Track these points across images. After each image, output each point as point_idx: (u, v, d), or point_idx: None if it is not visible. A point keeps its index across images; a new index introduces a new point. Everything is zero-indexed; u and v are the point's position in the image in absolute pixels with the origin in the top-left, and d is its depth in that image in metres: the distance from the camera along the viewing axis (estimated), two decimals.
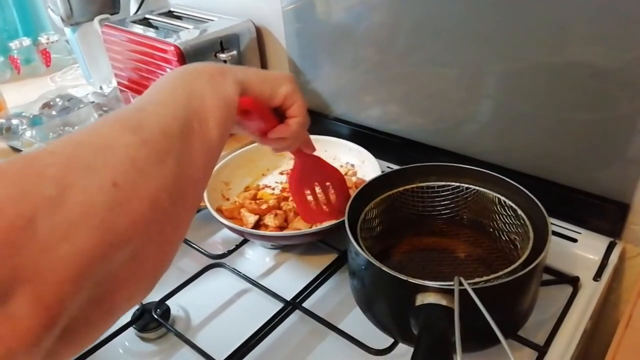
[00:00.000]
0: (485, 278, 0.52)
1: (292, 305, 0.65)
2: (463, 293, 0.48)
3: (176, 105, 0.35)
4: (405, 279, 0.50)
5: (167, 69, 0.92)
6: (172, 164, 0.32)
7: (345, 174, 0.87)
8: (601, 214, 0.70)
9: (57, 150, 0.28)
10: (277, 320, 0.63)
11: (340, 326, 0.62)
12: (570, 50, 0.65)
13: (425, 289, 0.50)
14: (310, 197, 0.70)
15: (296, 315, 0.65)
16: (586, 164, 0.71)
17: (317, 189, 0.70)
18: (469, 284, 0.49)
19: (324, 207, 0.70)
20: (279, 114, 0.52)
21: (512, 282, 0.50)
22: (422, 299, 0.49)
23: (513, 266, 0.53)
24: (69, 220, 0.25)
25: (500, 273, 0.52)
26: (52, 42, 1.39)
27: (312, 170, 0.67)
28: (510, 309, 0.54)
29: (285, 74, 0.48)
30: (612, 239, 0.70)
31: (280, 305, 0.65)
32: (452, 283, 0.50)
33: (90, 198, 0.26)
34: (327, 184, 0.70)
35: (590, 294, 0.63)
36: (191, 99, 0.36)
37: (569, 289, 0.65)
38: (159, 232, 0.31)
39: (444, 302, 0.49)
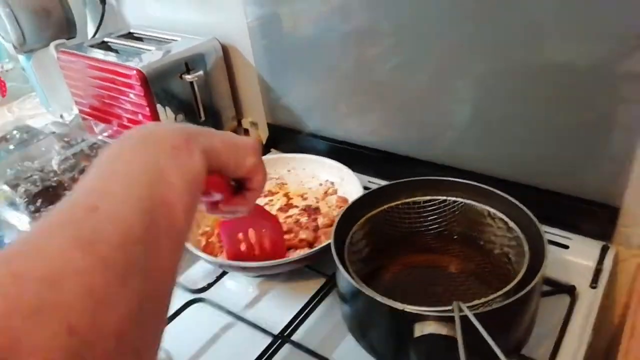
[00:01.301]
0: (484, 300, 0.49)
1: (281, 339, 0.61)
2: (464, 319, 0.45)
3: (137, 196, 0.29)
4: (401, 308, 0.47)
5: (130, 94, 0.87)
6: (137, 280, 0.27)
7: (326, 192, 0.83)
8: (591, 218, 0.69)
9: None
10: (266, 357, 0.59)
11: (334, 357, 0.58)
12: (548, 50, 0.63)
13: (424, 318, 0.47)
14: (241, 239, 0.66)
15: (286, 349, 0.61)
16: (571, 168, 0.69)
17: (251, 233, 0.65)
18: (468, 308, 0.46)
19: (255, 251, 0.66)
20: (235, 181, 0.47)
21: (513, 303, 0.47)
22: (421, 328, 0.46)
23: (512, 284, 0.51)
24: None
25: (500, 293, 0.50)
26: (7, 71, 1.32)
27: (250, 216, 0.58)
28: (512, 329, 0.51)
29: (252, 143, 0.44)
30: (604, 243, 0.69)
31: (268, 339, 0.61)
32: (450, 308, 0.47)
33: (44, 355, 0.21)
34: (263, 230, 0.65)
35: (589, 303, 0.61)
36: (154, 185, 0.31)
37: (566, 299, 0.62)
38: (132, 355, 0.26)
39: (444, 331, 0.45)
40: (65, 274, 0.23)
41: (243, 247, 0.66)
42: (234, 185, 0.47)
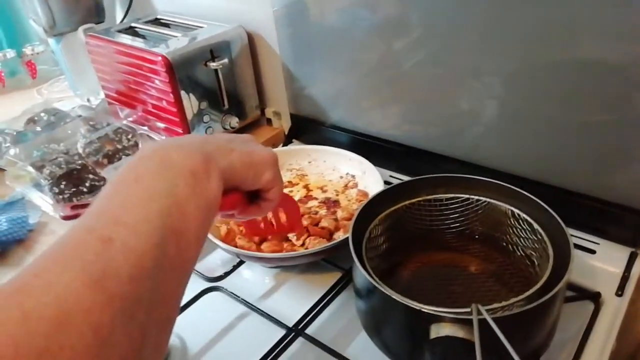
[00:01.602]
0: (504, 303, 0.48)
1: (294, 331, 0.61)
2: (482, 322, 0.44)
3: (151, 228, 0.29)
4: (418, 308, 0.46)
5: (156, 81, 0.87)
6: (143, 314, 0.27)
7: (346, 185, 0.83)
8: (620, 223, 0.66)
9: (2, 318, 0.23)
10: (279, 349, 0.59)
11: (347, 353, 0.58)
12: (582, 47, 0.61)
13: (440, 319, 0.45)
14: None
15: (299, 342, 0.60)
16: (600, 169, 0.67)
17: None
18: (487, 311, 0.45)
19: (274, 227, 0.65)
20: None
21: (534, 309, 0.46)
22: (438, 330, 0.45)
23: (534, 288, 0.49)
24: None
25: (521, 297, 0.48)
26: (38, 53, 1.34)
27: None
28: (532, 335, 0.49)
29: (268, 157, 0.42)
30: (633, 249, 0.66)
31: (282, 331, 0.61)
32: (468, 310, 0.46)
33: None
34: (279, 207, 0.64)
35: (613, 312, 0.59)
36: (170, 215, 0.31)
37: (590, 306, 0.60)
38: None
39: (461, 334, 0.44)
40: (73, 313, 0.24)
41: (261, 224, 0.65)
42: (249, 196, 0.46)
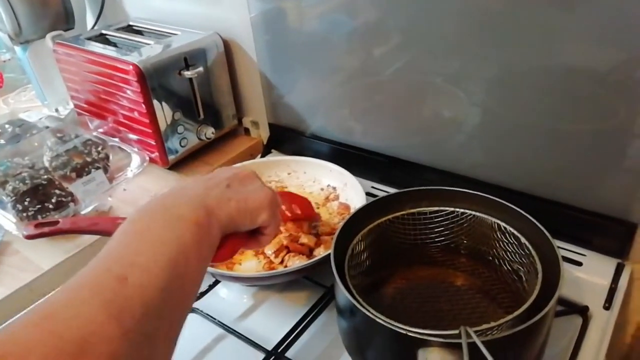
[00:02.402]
0: (493, 324, 0.45)
1: (274, 355, 0.58)
2: (471, 346, 0.41)
3: (160, 271, 0.33)
4: (404, 332, 0.44)
5: (128, 90, 0.83)
6: (149, 349, 0.30)
7: (327, 197, 0.80)
8: (606, 234, 0.65)
9: (32, 343, 0.26)
10: None
11: None
12: (564, 55, 0.60)
13: (428, 343, 0.43)
14: None
15: None
16: (586, 180, 0.66)
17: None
18: (476, 332, 0.42)
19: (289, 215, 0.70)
20: None
21: (526, 329, 0.43)
22: (425, 355, 0.43)
23: (524, 307, 0.47)
24: None
25: (510, 317, 0.46)
26: (4, 62, 1.29)
27: None
28: (523, 356, 0.47)
29: (265, 198, 0.45)
30: (619, 261, 0.65)
31: (260, 355, 0.58)
32: (457, 332, 0.43)
33: None
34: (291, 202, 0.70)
35: (602, 325, 0.58)
36: (176, 260, 0.34)
37: (578, 320, 0.59)
38: None
39: (450, 359, 0.42)
40: (95, 342, 0.27)
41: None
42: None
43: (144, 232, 0.36)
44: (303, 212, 0.70)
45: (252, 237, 0.47)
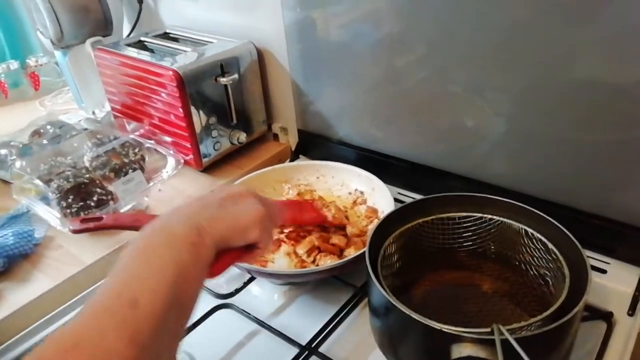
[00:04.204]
0: (524, 323, 0.48)
1: (307, 350, 0.60)
2: (504, 343, 0.44)
3: (165, 293, 0.36)
4: (439, 328, 0.46)
5: (163, 94, 0.87)
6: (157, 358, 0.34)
7: (354, 201, 0.83)
8: (630, 243, 0.67)
9: None
10: None
11: None
12: (590, 68, 0.62)
13: (462, 339, 0.45)
14: None
15: None
16: (611, 189, 0.67)
17: None
18: (508, 331, 0.45)
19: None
20: None
21: (555, 329, 0.46)
22: (459, 350, 0.45)
23: (553, 308, 0.49)
24: None
25: (540, 317, 0.48)
26: (41, 65, 1.34)
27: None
28: (552, 355, 0.49)
29: (254, 216, 0.48)
30: None
31: (294, 350, 0.61)
32: (489, 330, 0.46)
33: None
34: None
35: (626, 331, 0.60)
36: (177, 280, 0.38)
37: (602, 325, 0.61)
38: None
39: (483, 354, 0.44)
40: None
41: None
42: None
43: (146, 255, 0.39)
44: (311, 221, 0.73)
45: (246, 251, 0.49)
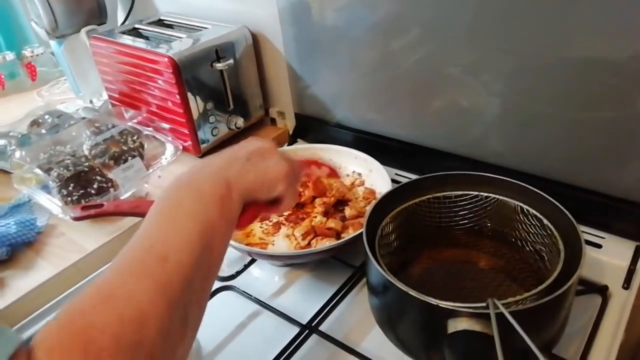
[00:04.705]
0: (519, 297, 0.49)
1: (308, 329, 0.61)
2: (499, 316, 0.44)
3: (193, 248, 0.37)
4: (435, 303, 0.47)
5: (160, 81, 0.88)
6: (187, 313, 0.36)
7: (353, 183, 0.83)
8: (625, 217, 0.68)
9: (102, 320, 0.31)
10: (293, 346, 0.60)
11: (361, 348, 0.59)
12: (584, 45, 0.62)
13: (457, 314, 0.46)
14: None
15: (313, 339, 0.61)
16: (605, 165, 0.68)
17: None
18: (503, 305, 0.46)
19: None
20: None
21: (549, 302, 0.47)
22: (455, 325, 0.46)
23: (547, 282, 0.50)
24: None
25: (535, 291, 0.49)
26: (37, 55, 1.34)
27: None
28: (546, 328, 0.50)
29: (282, 171, 0.48)
30: (638, 243, 0.67)
31: (295, 329, 0.62)
32: (484, 305, 0.46)
33: None
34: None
35: (621, 304, 0.61)
36: (206, 236, 0.38)
37: (597, 299, 0.62)
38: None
39: (478, 328, 0.45)
40: (150, 316, 0.32)
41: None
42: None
43: (174, 210, 0.40)
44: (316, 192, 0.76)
45: (271, 205, 0.50)
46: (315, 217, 0.75)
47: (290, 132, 1.02)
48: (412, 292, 0.48)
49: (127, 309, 0.32)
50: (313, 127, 0.98)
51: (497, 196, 0.63)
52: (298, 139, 1.00)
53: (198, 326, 0.39)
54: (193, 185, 0.42)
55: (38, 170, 0.80)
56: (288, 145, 0.98)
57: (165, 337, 0.33)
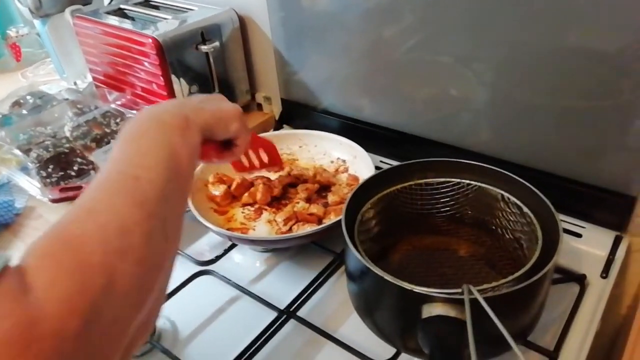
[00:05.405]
0: (494, 284, 0.48)
1: (286, 314, 0.61)
2: (473, 302, 0.44)
3: (161, 168, 0.40)
4: (409, 288, 0.47)
5: (145, 63, 0.86)
6: (165, 225, 0.38)
7: (337, 170, 0.83)
8: (606, 207, 0.68)
9: (87, 230, 0.32)
10: (270, 331, 0.59)
11: (338, 334, 0.58)
12: (571, 35, 0.62)
13: (432, 299, 0.46)
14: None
15: (291, 324, 0.61)
16: (589, 155, 0.68)
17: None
18: (478, 291, 0.45)
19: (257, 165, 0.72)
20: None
21: (524, 289, 0.46)
22: (429, 310, 0.46)
23: (523, 269, 0.50)
24: (120, 305, 0.31)
25: (510, 278, 0.49)
26: (22, 36, 1.32)
27: None
28: (521, 315, 0.50)
29: (235, 110, 0.53)
30: (617, 233, 0.67)
31: (273, 314, 0.62)
32: (459, 290, 0.46)
33: (128, 281, 0.32)
34: (260, 149, 0.71)
35: (598, 293, 0.61)
36: (172, 159, 0.41)
37: (575, 288, 0.62)
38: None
39: (452, 314, 0.45)
40: (130, 226, 0.34)
41: (245, 162, 0.69)
42: (223, 144, 0.56)
43: (141, 137, 0.42)
44: (270, 160, 0.72)
45: (226, 149, 0.55)
46: (298, 202, 0.74)
47: (277, 118, 1.01)
48: (388, 277, 0.48)
49: (110, 219, 0.34)
50: (299, 113, 0.97)
51: (478, 183, 0.63)
52: (284, 125, 0.99)
53: (178, 245, 0.41)
54: (155, 118, 0.44)
55: (17, 151, 0.79)
56: (274, 130, 0.97)
57: (149, 247, 0.35)
